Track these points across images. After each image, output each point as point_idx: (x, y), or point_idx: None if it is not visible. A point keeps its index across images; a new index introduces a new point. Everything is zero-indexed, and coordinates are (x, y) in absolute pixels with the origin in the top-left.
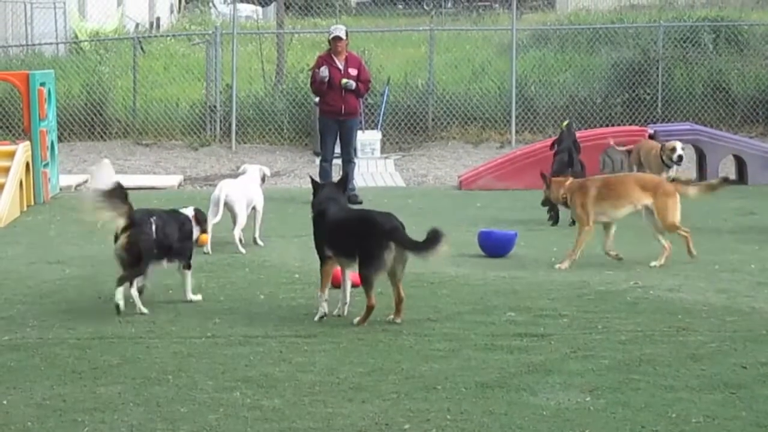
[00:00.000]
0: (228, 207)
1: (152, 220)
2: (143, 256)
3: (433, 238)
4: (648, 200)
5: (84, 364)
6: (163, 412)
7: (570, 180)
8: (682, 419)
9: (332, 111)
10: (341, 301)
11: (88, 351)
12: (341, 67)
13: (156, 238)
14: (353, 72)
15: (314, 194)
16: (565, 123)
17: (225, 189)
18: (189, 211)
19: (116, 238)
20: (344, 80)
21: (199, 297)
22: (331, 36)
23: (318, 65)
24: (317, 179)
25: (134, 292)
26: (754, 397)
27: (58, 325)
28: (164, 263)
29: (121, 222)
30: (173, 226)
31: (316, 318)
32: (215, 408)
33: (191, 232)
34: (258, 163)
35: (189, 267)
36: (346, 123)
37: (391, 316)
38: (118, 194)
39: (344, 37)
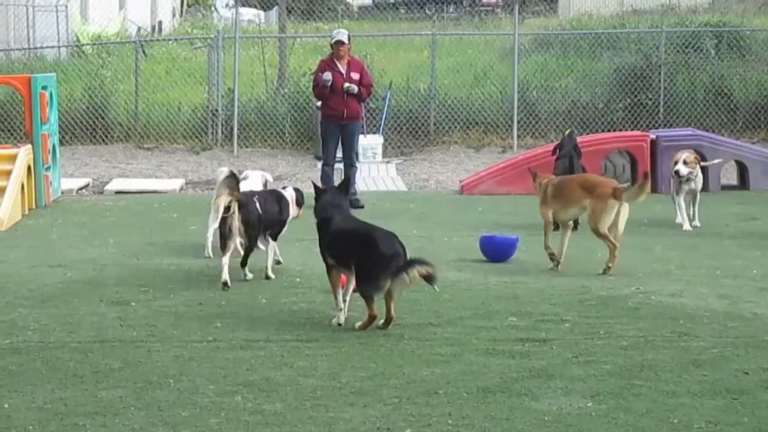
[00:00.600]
0: None
1: (255, 199)
2: (252, 231)
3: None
4: (587, 201)
5: (85, 368)
6: (165, 416)
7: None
8: (684, 425)
9: (334, 115)
10: (336, 308)
11: (89, 355)
12: (343, 71)
13: (260, 215)
14: (355, 76)
15: (317, 199)
16: (567, 132)
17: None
18: (289, 191)
19: (224, 220)
20: (347, 84)
21: (273, 276)
22: (334, 40)
23: (320, 69)
24: (319, 184)
25: (225, 260)
26: (756, 403)
27: (59, 328)
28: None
29: (231, 203)
30: (273, 203)
31: (333, 321)
32: (216, 412)
33: (286, 209)
34: (259, 167)
35: (275, 239)
36: (348, 127)
37: (380, 322)
38: (230, 181)
39: (347, 41)
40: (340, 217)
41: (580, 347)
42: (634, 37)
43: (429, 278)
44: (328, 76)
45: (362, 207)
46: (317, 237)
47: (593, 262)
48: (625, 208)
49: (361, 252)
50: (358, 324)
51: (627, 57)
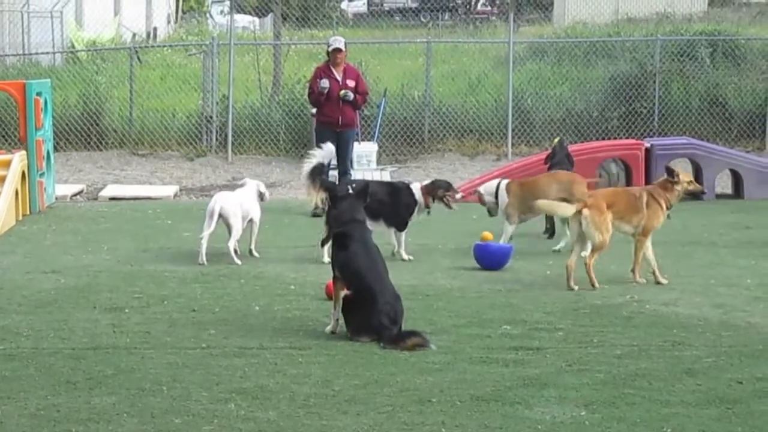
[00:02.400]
0: (223, 218)
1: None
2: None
3: (409, 335)
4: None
5: (79, 375)
6: (158, 423)
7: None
8: None
9: (329, 122)
10: (332, 317)
11: (82, 361)
12: (339, 78)
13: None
14: (351, 83)
15: (332, 206)
16: (557, 140)
17: (220, 201)
18: (414, 186)
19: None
20: (343, 91)
21: (409, 257)
22: (331, 47)
23: (316, 76)
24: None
25: (325, 249)
26: (750, 413)
27: (52, 335)
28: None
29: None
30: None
31: (327, 329)
32: (210, 419)
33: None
34: (254, 174)
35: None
36: (343, 134)
37: None
38: (317, 173)
39: (344, 48)
40: (356, 241)
41: (573, 356)
42: (629, 45)
43: (421, 346)
44: (325, 83)
45: None
46: (331, 242)
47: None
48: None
49: (361, 300)
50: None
51: (622, 65)
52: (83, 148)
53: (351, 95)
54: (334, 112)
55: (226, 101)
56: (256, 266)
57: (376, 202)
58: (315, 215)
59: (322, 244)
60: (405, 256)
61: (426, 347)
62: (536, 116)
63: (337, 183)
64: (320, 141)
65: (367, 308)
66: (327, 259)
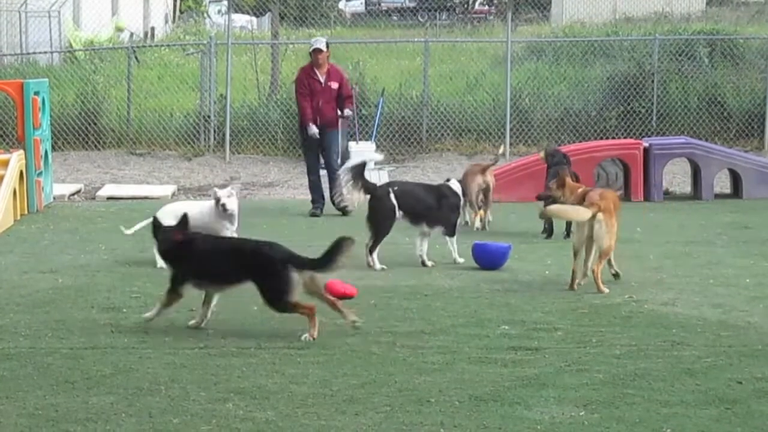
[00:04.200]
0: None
1: (391, 190)
2: (384, 222)
3: (334, 249)
4: None
5: (76, 374)
6: (156, 423)
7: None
8: None
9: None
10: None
11: (80, 361)
12: (322, 80)
13: (396, 206)
14: (334, 85)
15: (373, 207)
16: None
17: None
18: (454, 184)
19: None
20: (347, 111)
21: (462, 259)
22: (311, 48)
23: (299, 78)
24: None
25: (374, 255)
26: (749, 413)
27: (50, 334)
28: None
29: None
30: (427, 195)
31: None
32: (208, 419)
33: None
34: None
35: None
36: (326, 135)
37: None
38: (359, 173)
39: (324, 49)
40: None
41: (572, 356)
42: (627, 44)
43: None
44: (313, 129)
45: (349, 212)
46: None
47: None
48: None
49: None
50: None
51: (620, 65)
52: (81, 148)
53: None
54: (312, 114)
55: (223, 101)
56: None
57: (421, 205)
58: (313, 215)
59: (371, 251)
60: (459, 259)
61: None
62: (534, 116)
63: (378, 185)
64: (304, 142)
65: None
66: (379, 266)
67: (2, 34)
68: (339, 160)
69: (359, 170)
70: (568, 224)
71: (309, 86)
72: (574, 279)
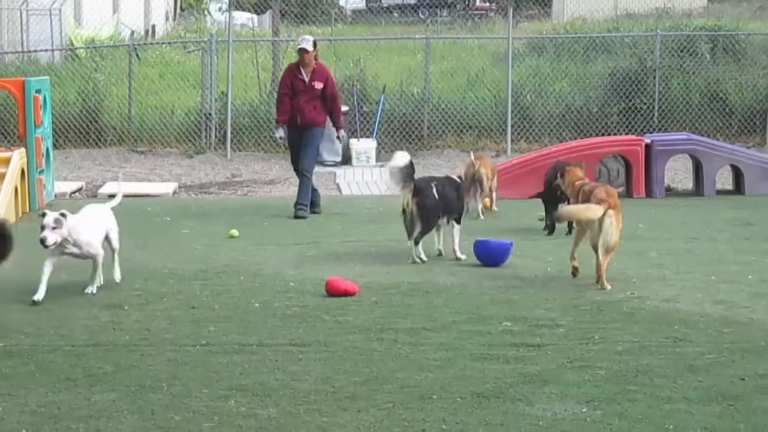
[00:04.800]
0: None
1: (433, 185)
2: (430, 216)
3: None
4: None
5: (78, 372)
6: (158, 420)
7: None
8: (680, 431)
9: (289, 120)
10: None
11: (82, 358)
12: (306, 79)
13: (437, 200)
14: (318, 85)
15: (422, 208)
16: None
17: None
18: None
19: (404, 210)
20: (342, 134)
21: (464, 256)
22: (298, 47)
23: (283, 76)
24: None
25: (420, 248)
26: (752, 410)
27: (52, 332)
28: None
29: (408, 192)
30: (451, 189)
31: None
32: (210, 416)
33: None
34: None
35: (459, 222)
36: (305, 133)
37: None
38: (407, 172)
39: (311, 48)
40: None
41: (574, 352)
42: (629, 41)
43: None
44: (280, 132)
45: (310, 214)
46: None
47: (587, 267)
48: None
49: None
50: None
51: (621, 61)
52: (82, 146)
53: (343, 135)
54: (292, 113)
55: (224, 98)
56: (255, 263)
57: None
58: (297, 217)
59: (416, 242)
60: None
61: None
62: (535, 112)
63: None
64: (287, 141)
65: None
66: (425, 257)
67: (3, 32)
68: (315, 163)
69: (410, 171)
70: (552, 219)
71: (292, 85)
72: (575, 273)
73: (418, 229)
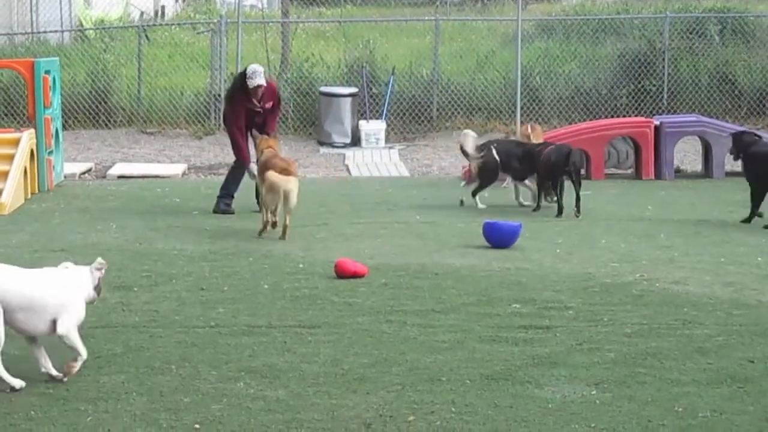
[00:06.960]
0: None
1: (493, 146)
2: (489, 173)
3: None
4: None
5: (87, 353)
6: (167, 402)
7: None
8: (689, 413)
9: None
10: None
11: (91, 340)
12: (259, 105)
13: (499, 160)
14: (269, 105)
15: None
16: None
17: None
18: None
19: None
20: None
21: (529, 201)
22: (252, 85)
23: (236, 107)
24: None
25: (477, 199)
26: (761, 392)
27: None
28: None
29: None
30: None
31: None
32: (219, 398)
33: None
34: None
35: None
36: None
37: None
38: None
39: (264, 83)
40: None
41: (583, 335)
42: (638, 23)
43: None
44: (252, 170)
45: (232, 213)
46: None
47: (597, 248)
48: None
49: None
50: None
51: (631, 43)
52: (92, 127)
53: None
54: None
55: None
56: (264, 245)
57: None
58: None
59: (474, 194)
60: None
61: None
62: (545, 94)
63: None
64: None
65: None
66: (481, 205)
67: (13, 12)
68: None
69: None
70: (578, 201)
71: (246, 115)
72: None
73: (477, 183)
